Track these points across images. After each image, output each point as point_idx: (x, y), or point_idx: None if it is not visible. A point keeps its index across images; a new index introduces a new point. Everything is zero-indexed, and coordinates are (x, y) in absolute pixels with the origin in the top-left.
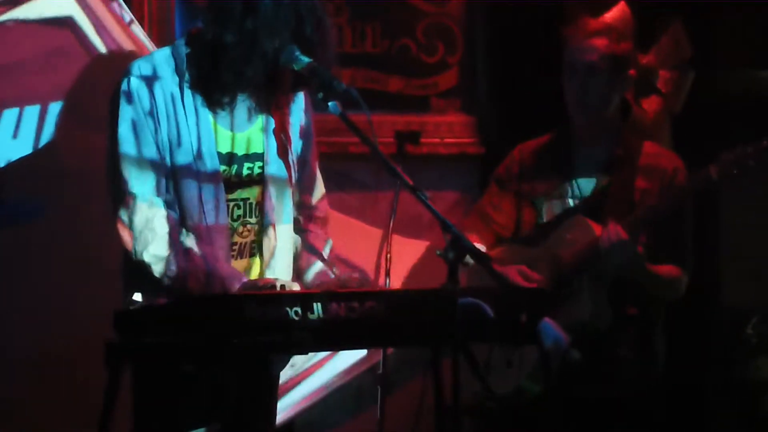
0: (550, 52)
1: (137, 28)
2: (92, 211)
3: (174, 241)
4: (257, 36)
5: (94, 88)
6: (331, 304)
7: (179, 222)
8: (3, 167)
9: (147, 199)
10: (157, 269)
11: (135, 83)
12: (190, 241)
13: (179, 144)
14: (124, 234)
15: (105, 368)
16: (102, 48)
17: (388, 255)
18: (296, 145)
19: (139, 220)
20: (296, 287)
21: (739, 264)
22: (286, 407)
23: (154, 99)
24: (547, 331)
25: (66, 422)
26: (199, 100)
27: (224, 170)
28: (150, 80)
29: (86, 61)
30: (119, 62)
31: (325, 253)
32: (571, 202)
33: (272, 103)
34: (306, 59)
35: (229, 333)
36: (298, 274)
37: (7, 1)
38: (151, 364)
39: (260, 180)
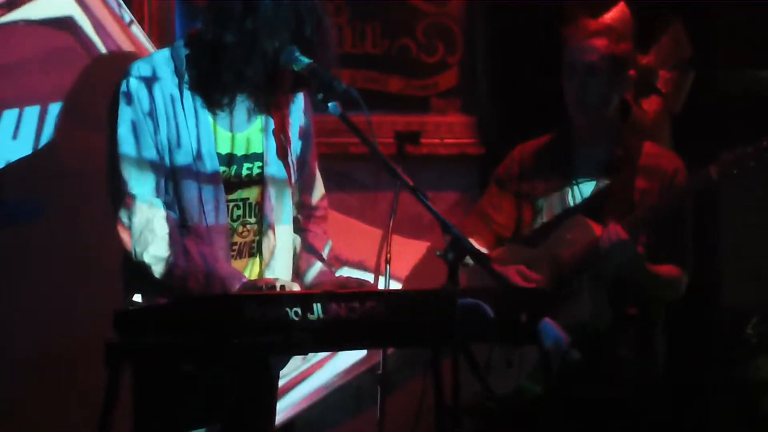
0: (550, 52)
1: (137, 29)
2: (92, 211)
3: (174, 241)
4: (257, 36)
5: (94, 89)
6: (331, 305)
7: (179, 223)
8: (3, 168)
9: (147, 200)
10: (157, 270)
11: (134, 84)
12: (189, 241)
13: (179, 145)
14: (124, 235)
15: (105, 368)
16: (102, 48)
17: (388, 255)
18: (296, 145)
19: (138, 221)
20: (296, 287)
21: (739, 264)
22: (286, 407)
23: (154, 100)
24: (547, 331)
25: (66, 422)
26: (198, 101)
27: (224, 171)
28: (149, 81)
29: (86, 61)
30: (119, 63)
31: (325, 253)
32: (571, 202)
33: (272, 104)
34: (306, 60)
35: (229, 333)
36: (297, 274)
37: (8, 1)
38: (151, 364)
39: (260, 180)
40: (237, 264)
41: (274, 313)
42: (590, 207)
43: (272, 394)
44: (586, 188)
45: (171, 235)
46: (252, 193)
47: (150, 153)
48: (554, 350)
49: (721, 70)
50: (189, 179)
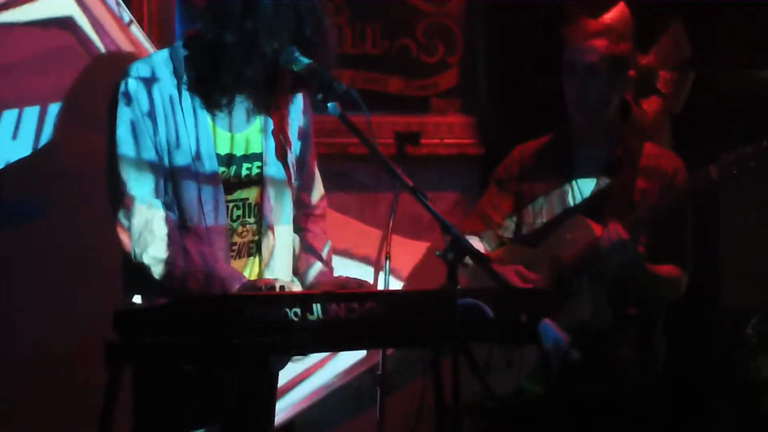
0: (550, 52)
1: (137, 29)
2: (92, 211)
3: (173, 242)
4: (257, 36)
5: (94, 89)
6: (331, 305)
7: (178, 223)
8: (3, 168)
9: (146, 201)
10: (157, 271)
11: (133, 85)
12: (189, 241)
13: (178, 146)
14: (123, 236)
15: (105, 368)
16: (102, 48)
17: (388, 256)
18: (295, 146)
19: (138, 221)
20: (296, 288)
21: (739, 264)
22: (286, 407)
23: (153, 101)
24: (547, 331)
25: (66, 422)
26: (197, 101)
27: (223, 171)
28: (148, 82)
29: (86, 61)
30: (119, 63)
31: (324, 253)
32: (571, 202)
33: (271, 104)
34: (306, 60)
35: (228, 333)
36: (297, 274)
37: (7, 1)
38: (151, 364)
39: (259, 181)
40: (236, 264)
41: (274, 313)
42: (590, 207)
43: (272, 394)
44: (586, 188)
45: (170, 235)
46: (251, 194)
47: (149, 154)
48: (554, 350)
49: (721, 70)
50: (188, 180)
